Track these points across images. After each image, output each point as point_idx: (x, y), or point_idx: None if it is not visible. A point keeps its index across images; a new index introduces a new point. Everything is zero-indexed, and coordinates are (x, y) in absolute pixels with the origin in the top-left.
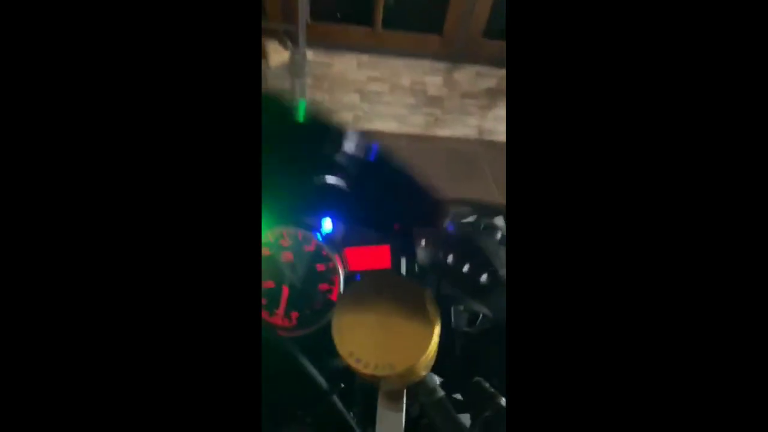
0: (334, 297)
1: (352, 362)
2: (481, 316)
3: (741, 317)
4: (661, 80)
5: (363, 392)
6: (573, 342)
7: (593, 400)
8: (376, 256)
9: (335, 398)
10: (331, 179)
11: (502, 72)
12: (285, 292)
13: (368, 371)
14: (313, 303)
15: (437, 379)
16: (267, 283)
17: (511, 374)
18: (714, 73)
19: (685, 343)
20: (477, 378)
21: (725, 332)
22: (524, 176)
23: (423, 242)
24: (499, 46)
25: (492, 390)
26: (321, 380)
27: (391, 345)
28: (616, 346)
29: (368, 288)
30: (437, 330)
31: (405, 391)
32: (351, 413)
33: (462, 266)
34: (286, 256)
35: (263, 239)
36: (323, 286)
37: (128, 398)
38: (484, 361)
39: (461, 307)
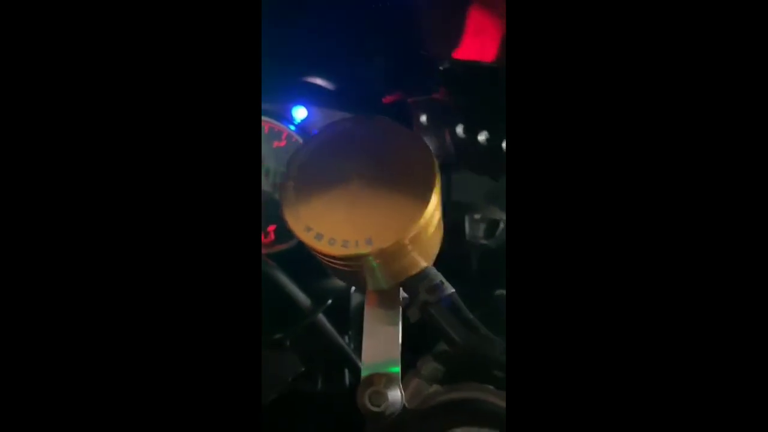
0: None
1: (310, 240)
2: (501, 225)
3: (740, 326)
4: (660, 81)
5: (360, 310)
6: (574, 343)
7: (593, 400)
8: None
9: (321, 317)
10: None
11: None
12: None
13: (334, 251)
14: None
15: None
16: None
17: (511, 376)
18: (712, 84)
19: (683, 346)
20: (499, 291)
21: (725, 347)
22: (524, 178)
23: (424, 118)
24: None
25: None
26: (300, 296)
27: (368, 214)
28: (617, 347)
29: (332, 139)
30: (435, 193)
31: (400, 290)
32: (346, 336)
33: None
34: None
35: None
36: None
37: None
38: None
39: (477, 215)
